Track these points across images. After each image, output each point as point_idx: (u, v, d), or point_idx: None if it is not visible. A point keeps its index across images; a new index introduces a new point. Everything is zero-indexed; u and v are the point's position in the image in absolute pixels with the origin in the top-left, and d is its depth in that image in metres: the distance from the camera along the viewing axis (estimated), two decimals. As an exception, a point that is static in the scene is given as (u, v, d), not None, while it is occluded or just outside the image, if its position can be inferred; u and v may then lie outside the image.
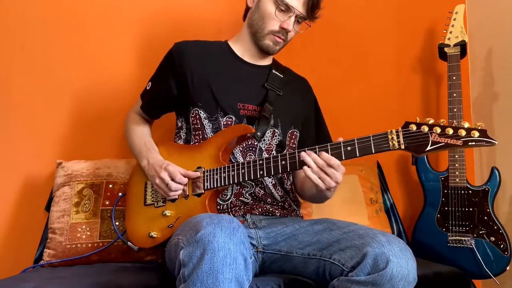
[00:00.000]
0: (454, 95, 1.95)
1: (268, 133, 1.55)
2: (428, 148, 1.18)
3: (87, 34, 2.05)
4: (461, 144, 1.15)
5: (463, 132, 1.15)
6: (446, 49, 2.03)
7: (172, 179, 1.42)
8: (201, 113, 1.53)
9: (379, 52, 2.29)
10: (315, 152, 1.32)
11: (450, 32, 2.04)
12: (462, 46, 2.01)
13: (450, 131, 1.17)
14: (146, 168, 1.52)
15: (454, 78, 1.97)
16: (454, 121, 1.20)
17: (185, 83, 1.55)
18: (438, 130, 1.17)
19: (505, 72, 2.12)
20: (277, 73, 1.63)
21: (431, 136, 1.18)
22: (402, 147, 1.22)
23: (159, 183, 1.44)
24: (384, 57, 2.30)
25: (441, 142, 1.17)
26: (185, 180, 1.43)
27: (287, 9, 1.50)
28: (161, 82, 1.62)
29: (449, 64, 2.01)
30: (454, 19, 2.04)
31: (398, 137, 1.23)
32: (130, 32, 2.09)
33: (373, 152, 1.26)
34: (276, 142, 1.57)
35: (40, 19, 2.01)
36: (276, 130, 1.57)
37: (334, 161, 1.28)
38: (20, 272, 1.69)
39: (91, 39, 2.06)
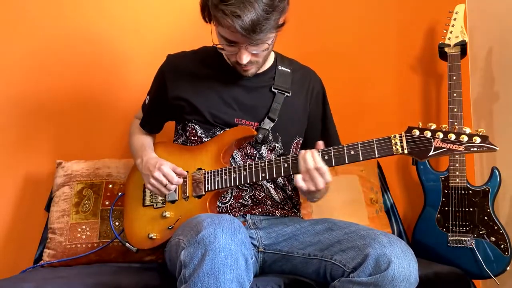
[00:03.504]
0: (454, 95, 1.95)
1: (264, 148, 1.50)
2: (431, 153, 1.19)
3: (97, 32, 2.06)
4: (463, 150, 1.17)
5: (464, 138, 1.17)
6: (446, 49, 2.03)
7: (170, 181, 1.42)
8: (197, 128, 1.50)
9: (379, 52, 2.29)
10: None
11: (450, 32, 2.04)
12: (462, 46, 2.00)
13: (452, 136, 1.18)
14: (140, 167, 1.51)
15: (454, 78, 1.97)
16: (456, 125, 1.20)
17: (177, 100, 1.51)
18: (441, 135, 1.19)
19: (505, 72, 2.12)
20: (283, 68, 1.55)
21: (433, 141, 1.19)
22: (406, 152, 1.22)
23: (153, 182, 1.43)
24: (384, 57, 2.30)
25: (443, 148, 1.18)
26: (181, 181, 1.44)
27: (232, 42, 1.33)
28: (155, 97, 1.61)
29: (449, 64, 2.00)
30: (454, 19, 2.04)
31: (401, 141, 1.23)
32: (134, 32, 2.09)
33: (377, 156, 1.26)
34: (276, 155, 1.52)
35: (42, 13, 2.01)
36: (277, 145, 1.51)
37: (321, 165, 1.27)
38: (20, 272, 1.69)
39: (95, 39, 2.05)
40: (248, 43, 1.30)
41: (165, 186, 1.42)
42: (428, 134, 1.20)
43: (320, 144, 1.33)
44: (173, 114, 1.58)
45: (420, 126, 1.22)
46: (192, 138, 1.52)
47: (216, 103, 1.49)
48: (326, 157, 1.29)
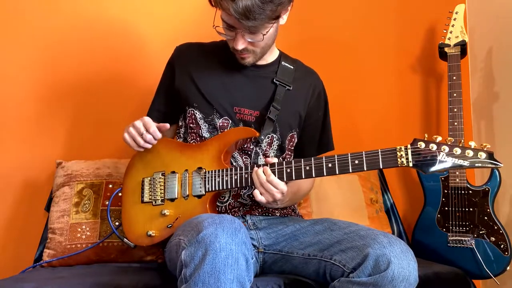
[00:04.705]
0: (454, 95, 1.95)
1: (265, 142, 1.52)
2: (435, 167, 1.19)
3: (95, 32, 2.05)
4: (467, 165, 1.18)
5: (470, 153, 1.17)
6: (446, 49, 2.03)
7: (147, 130, 1.42)
8: (196, 113, 1.52)
9: (379, 52, 2.29)
10: (321, 163, 1.31)
11: (450, 32, 2.04)
12: (462, 46, 2.01)
13: (458, 151, 1.18)
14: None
15: (454, 78, 1.97)
16: (462, 140, 1.20)
17: (181, 86, 1.55)
18: (446, 149, 1.19)
19: (505, 72, 2.12)
20: (287, 64, 1.58)
21: (439, 155, 1.19)
22: (410, 164, 1.22)
23: (130, 130, 1.43)
24: (384, 57, 2.30)
25: (448, 162, 1.19)
26: (159, 135, 1.43)
27: (230, 26, 1.37)
28: (164, 82, 1.65)
29: (449, 64, 2.01)
30: (454, 19, 2.04)
31: (406, 154, 1.23)
32: (133, 32, 2.09)
33: (381, 167, 1.26)
34: (275, 147, 1.54)
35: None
36: (275, 136, 1.53)
37: (273, 178, 1.32)
38: (20, 272, 1.69)
39: (92, 40, 2.05)
40: (243, 29, 1.34)
41: (141, 135, 1.42)
42: (433, 147, 1.20)
43: (269, 160, 1.37)
44: (177, 99, 1.58)
45: (426, 139, 1.23)
46: (191, 125, 1.53)
47: (218, 89, 1.52)
48: (329, 165, 1.30)
